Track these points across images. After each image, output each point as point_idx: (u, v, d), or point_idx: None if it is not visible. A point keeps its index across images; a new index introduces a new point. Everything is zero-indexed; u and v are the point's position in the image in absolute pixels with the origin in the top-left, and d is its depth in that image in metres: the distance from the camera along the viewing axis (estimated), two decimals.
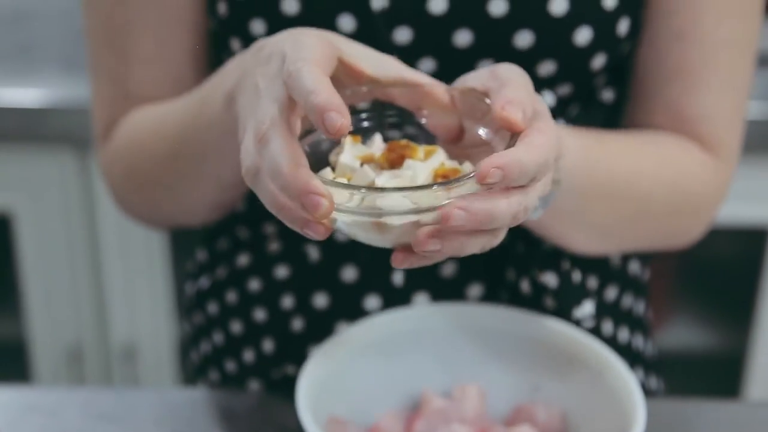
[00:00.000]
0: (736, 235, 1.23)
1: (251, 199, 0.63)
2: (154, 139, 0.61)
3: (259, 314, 0.66)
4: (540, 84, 0.58)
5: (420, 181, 0.40)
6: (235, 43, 0.61)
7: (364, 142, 0.45)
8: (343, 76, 0.45)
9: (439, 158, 0.42)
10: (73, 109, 1.16)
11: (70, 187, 1.20)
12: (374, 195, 0.38)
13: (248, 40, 0.59)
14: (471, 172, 0.38)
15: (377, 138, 0.46)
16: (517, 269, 0.60)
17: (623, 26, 0.60)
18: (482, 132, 0.43)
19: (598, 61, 0.59)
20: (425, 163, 0.42)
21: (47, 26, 1.39)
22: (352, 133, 0.43)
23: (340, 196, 0.37)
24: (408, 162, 0.41)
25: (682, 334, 1.45)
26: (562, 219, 0.55)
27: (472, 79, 0.45)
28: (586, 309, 0.59)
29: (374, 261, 0.60)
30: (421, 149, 0.43)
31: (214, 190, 0.61)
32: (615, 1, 0.59)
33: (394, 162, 0.42)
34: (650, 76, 0.63)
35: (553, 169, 0.42)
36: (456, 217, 0.36)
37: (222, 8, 0.60)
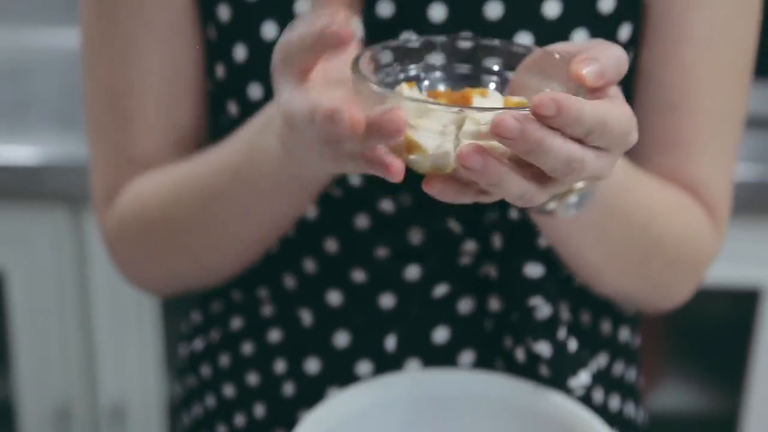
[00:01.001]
0: (726, 297, 1.24)
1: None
2: (176, 204, 0.61)
3: (252, 378, 0.65)
4: None
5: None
6: (232, 107, 0.61)
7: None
8: None
9: (500, 97, 0.42)
10: (67, 166, 1.16)
11: (63, 244, 1.19)
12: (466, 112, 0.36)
13: (245, 103, 0.60)
14: None
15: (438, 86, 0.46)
16: (512, 337, 0.59)
17: (624, 32, 0.61)
18: (550, 88, 0.42)
19: None
20: (491, 99, 0.41)
21: (43, 83, 1.42)
22: (406, 80, 0.43)
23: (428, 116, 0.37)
24: (476, 99, 0.41)
25: (673, 397, 1.44)
26: (583, 231, 0.55)
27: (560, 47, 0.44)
28: (582, 379, 0.59)
29: (367, 326, 0.61)
30: (479, 93, 0.42)
31: (242, 249, 0.61)
32: (612, 6, 0.60)
33: (458, 102, 0.41)
34: (646, 145, 0.63)
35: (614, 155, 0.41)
36: (512, 124, 0.34)
37: (220, 71, 0.61)
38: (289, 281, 0.66)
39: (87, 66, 0.66)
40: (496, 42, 0.46)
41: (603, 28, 0.61)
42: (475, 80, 0.46)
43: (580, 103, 0.35)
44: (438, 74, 0.47)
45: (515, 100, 0.41)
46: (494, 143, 0.35)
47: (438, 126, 0.36)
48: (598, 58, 0.38)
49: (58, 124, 1.27)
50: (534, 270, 0.59)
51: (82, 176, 1.15)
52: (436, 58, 0.47)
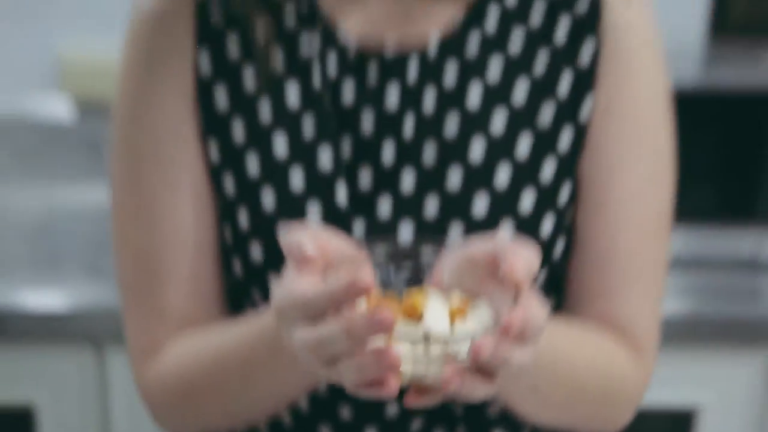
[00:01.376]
0: (665, 417, 1.29)
1: None
2: (218, 374, 0.64)
3: None
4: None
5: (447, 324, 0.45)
6: (256, 293, 0.67)
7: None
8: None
9: (440, 298, 0.47)
10: (93, 311, 1.22)
11: (88, 383, 1.24)
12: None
13: (248, 265, 0.66)
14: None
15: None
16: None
17: (564, 195, 0.67)
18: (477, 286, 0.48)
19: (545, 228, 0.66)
20: (441, 306, 0.46)
21: (72, 236, 1.49)
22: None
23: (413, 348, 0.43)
24: (428, 313, 0.45)
25: None
26: (514, 391, 0.58)
27: (479, 245, 0.50)
28: None
29: None
30: (421, 295, 0.47)
31: (272, 406, 0.65)
32: (552, 172, 0.66)
33: (410, 313, 0.46)
34: (580, 293, 0.69)
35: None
36: (485, 348, 0.41)
37: (227, 233, 0.67)
38: (286, 418, 0.71)
39: (117, 227, 0.70)
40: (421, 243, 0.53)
41: (549, 194, 0.66)
42: (415, 278, 0.52)
43: (534, 312, 0.43)
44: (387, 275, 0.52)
45: (456, 300, 0.47)
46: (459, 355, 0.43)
47: (413, 351, 0.43)
48: (517, 264, 0.44)
49: (84, 273, 1.32)
50: (496, 406, 0.64)
51: (106, 320, 1.25)
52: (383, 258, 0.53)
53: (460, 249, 0.50)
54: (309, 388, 0.61)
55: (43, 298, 1.22)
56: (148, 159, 0.68)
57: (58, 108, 1.65)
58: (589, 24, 0.67)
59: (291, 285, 0.47)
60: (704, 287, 1.34)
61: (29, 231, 1.53)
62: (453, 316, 0.46)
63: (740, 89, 1.35)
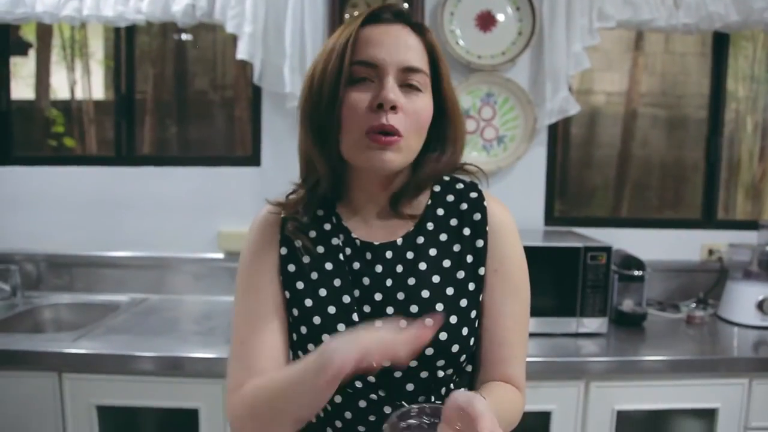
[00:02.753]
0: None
1: None
2: (271, 393, 0.66)
3: None
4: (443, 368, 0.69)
5: None
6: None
7: None
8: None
9: None
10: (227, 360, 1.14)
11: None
12: None
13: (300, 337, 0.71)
14: None
15: None
16: None
17: (472, 315, 0.73)
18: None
19: (462, 354, 0.72)
20: None
21: (220, 322, 1.65)
22: None
23: None
24: None
25: None
26: None
27: (458, 397, 0.54)
28: None
29: None
30: None
31: (310, 412, 0.65)
32: (466, 329, 0.71)
33: None
34: (488, 362, 0.75)
35: None
36: None
37: (293, 337, 0.74)
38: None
39: (233, 321, 0.75)
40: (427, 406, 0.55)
41: (465, 316, 0.72)
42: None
43: None
44: None
45: None
46: None
47: None
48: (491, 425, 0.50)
49: (224, 340, 1.48)
50: None
51: None
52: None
53: (452, 405, 0.53)
54: (331, 393, 0.60)
55: (202, 352, 1.42)
56: (251, 293, 0.74)
57: (217, 255, 1.96)
58: (481, 224, 0.75)
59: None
60: (550, 346, 1.52)
61: (198, 317, 1.75)
62: None
63: (560, 249, 1.59)
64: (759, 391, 1.48)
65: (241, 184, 1.94)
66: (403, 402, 0.68)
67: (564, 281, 1.58)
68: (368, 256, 0.73)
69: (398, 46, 0.68)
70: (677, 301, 1.96)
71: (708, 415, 1.50)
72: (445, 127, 0.73)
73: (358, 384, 0.69)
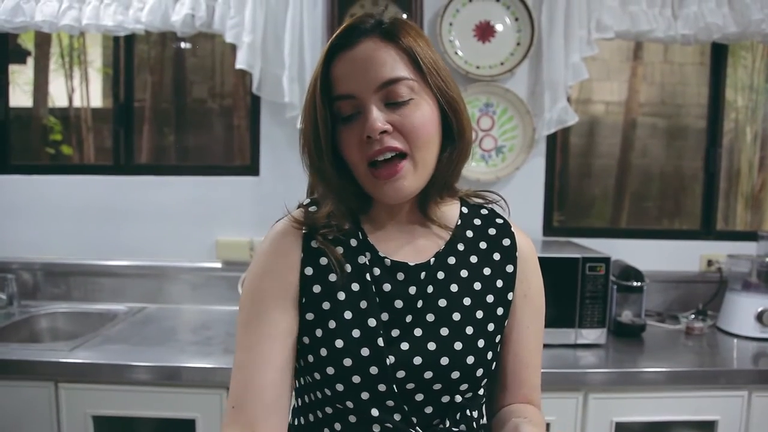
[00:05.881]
0: None
1: None
2: None
3: None
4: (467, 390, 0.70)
5: None
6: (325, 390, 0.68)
7: None
8: None
9: None
10: (225, 371, 1.32)
11: (222, 407, 1.36)
12: None
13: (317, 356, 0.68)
14: None
15: None
16: None
17: (497, 339, 0.73)
18: None
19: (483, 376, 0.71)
20: None
21: (217, 331, 1.65)
22: None
23: None
24: None
25: None
26: None
27: None
28: None
29: None
30: None
31: None
32: (484, 345, 0.70)
33: None
34: (511, 384, 0.76)
35: None
36: None
37: (310, 358, 0.69)
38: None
39: (238, 337, 0.70)
40: None
41: (491, 339, 0.71)
42: None
43: None
44: None
45: None
46: None
47: None
48: None
49: (222, 351, 1.49)
50: None
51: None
52: None
53: None
54: None
55: (200, 362, 1.42)
56: (257, 314, 0.70)
57: (214, 264, 1.96)
58: (511, 250, 0.76)
59: None
60: (548, 357, 1.50)
61: (195, 327, 1.75)
62: None
63: (559, 259, 1.59)
64: (759, 403, 1.48)
65: (239, 193, 1.95)
66: (418, 429, 0.67)
67: (562, 292, 1.59)
68: (400, 276, 0.70)
69: (367, 69, 0.65)
70: (676, 312, 1.96)
71: (707, 428, 1.50)
72: (448, 120, 0.70)
73: (375, 412, 0.67)
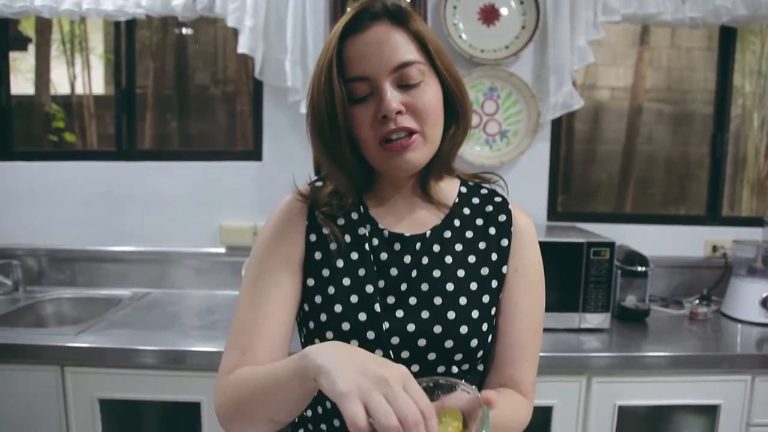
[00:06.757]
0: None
1: None
2: (252, 389, 0.63)
3: None
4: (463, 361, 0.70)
5: None
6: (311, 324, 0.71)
7: None
8: None
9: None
10: None
11: None
12: None
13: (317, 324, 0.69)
14: None
15: None
16: None
17: (492, 312, 0.73)
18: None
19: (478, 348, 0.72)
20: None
21: (222, 315, 1.66)
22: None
23: None
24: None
25: None
26: None
27: (466, 392, 0.54)
28: None
29: None
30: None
31: (286, 413, 0.61)
32: (478, 316, 0.70)
33: None
34: (498, 362, 0.75)
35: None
36: None
37: (311, 324, 0.71)
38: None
39: (237, 309, 0.73)
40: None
41: (485, 311, 0.72)
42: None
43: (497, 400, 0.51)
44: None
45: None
46: None
47: None
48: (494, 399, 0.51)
49: (226, 333, 1.50)
50: None
51: None
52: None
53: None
54: (307, 402, 0.58)
55: (204, 345, 1.42)
56: (266, 274, 0.72)
57: (218, 250, 1.97)
58: (507, 225, 0.77)
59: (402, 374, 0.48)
60: (552, 341, 1.52)
61: (201, 311, 1.75)
62: None
63: (563, 244, 1.59)
64: (762, 388, 1.49)
65: (243, 178, 1.95)
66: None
67: (567, 277, 1.58)
68: (397, 246, 0.74)
69: (381, 52, 0.68)
70: (680, 297, 1.96)
71: (710, 412, 1.51)
72: (452, 101, 0.73)
73: None
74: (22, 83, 2.18)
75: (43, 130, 2.18)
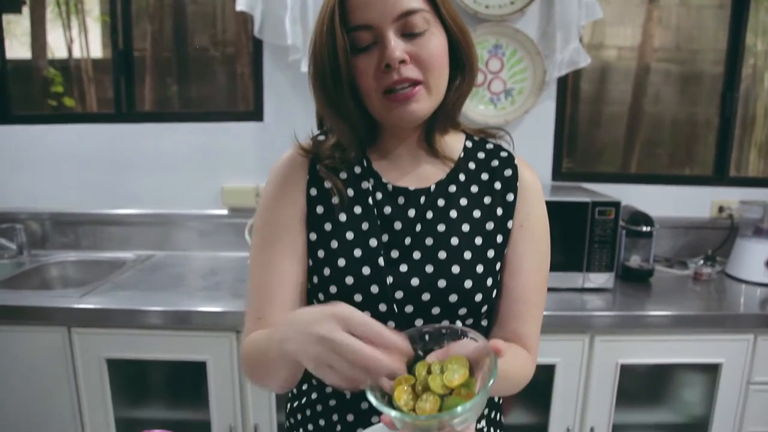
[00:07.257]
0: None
1: None
2: (256, 360, 0.67)
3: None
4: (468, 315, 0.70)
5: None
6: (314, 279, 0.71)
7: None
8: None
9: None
10: (235, 314, 1.36)
11: (233, 350, 1.40)
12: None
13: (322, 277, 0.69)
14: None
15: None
16: None
17: (497, 266, 0.73)
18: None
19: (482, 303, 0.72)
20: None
21: (225, 276, 1.67)
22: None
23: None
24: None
25: None
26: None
27: (472, 340, 0.52)
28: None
29: None
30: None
31: (280, 376, 0.63)
32: (482, 270, 0.70)
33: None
34: (502, 317, 0.75)
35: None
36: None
37: (314, 280, 0.72)
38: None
39: (251, 270, 0.74)
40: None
41: (490, 266, 0.72)
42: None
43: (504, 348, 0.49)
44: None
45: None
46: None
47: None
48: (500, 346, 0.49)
49: (231, 295, 1.51)
50: None
51: (240, 320, 1.19)
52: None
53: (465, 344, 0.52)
54: (302, 369, 0.59)
55: (209, 306, 1.43)
56: (272, 235, 0.72)
57: (221, 211, 1.97)
58: (512, 180, 0.76)
59: (362, 319, 0.48)
60: (556, 300, 1.53)
61: (205, 273, 1.76)
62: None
63: (568, 203, 1.56)
64: (764, 346, 1.49)
65: (244, 139, 1.93)
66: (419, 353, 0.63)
67: (571, 236, 1.58)
68: (401, 200, 0.73)
69: (385, 0, 0.66)
70: (685, 257, 1.96)
71: (711, 370, 1.52)
72: (457, 51, 0.71)
73: None
74: (17, 47, 2.14)
75: (42, 95, 2.15)
